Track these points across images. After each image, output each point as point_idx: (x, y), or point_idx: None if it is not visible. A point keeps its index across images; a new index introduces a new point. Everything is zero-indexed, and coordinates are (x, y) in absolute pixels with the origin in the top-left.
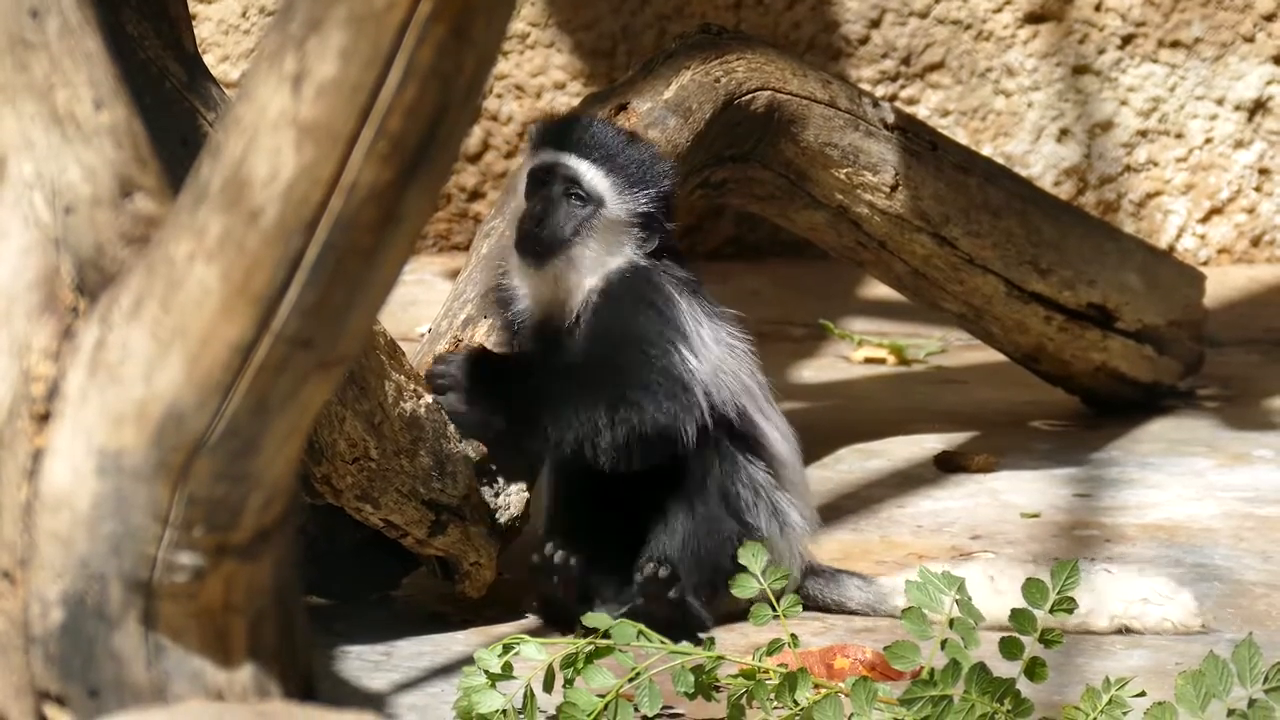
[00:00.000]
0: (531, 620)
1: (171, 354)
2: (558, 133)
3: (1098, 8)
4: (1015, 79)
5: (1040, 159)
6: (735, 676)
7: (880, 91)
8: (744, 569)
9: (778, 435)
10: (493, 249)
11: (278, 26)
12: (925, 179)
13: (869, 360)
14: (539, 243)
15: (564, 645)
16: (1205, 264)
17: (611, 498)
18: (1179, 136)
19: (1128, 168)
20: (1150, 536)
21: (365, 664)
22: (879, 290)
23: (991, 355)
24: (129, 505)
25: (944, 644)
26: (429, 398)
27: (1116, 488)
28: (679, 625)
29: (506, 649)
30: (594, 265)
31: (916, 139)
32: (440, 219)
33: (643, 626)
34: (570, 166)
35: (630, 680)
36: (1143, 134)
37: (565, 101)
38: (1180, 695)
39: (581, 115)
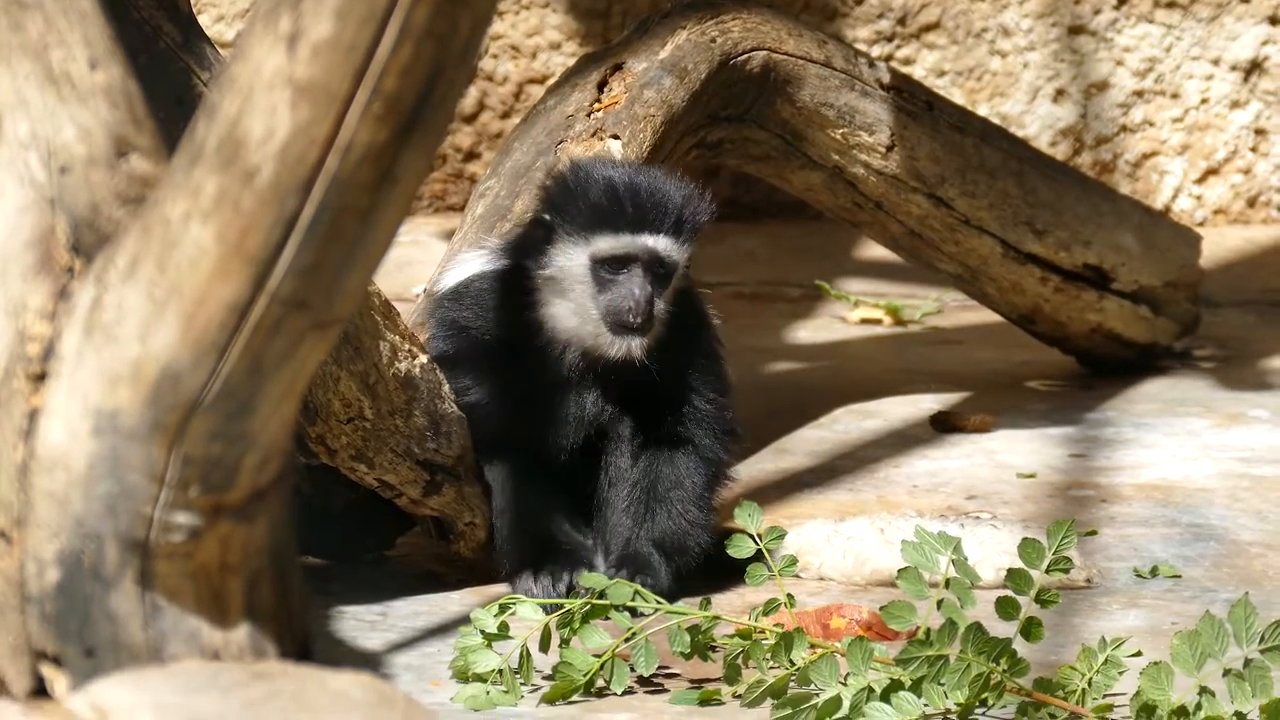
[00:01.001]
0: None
1: (167, 314)
2: (626, 213)
3: None
4: (1011, 39)
5: (1036, 119)
6: (731, 636)
7: (876, 52)
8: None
9: None
10: (488, 209)
11: None
12: (921, 139)
13: (865, 321)
14: (643, 330)
15: (560, 605)
16: (1201, 225)
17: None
18: (1175, 97)
19: (1124, 128)
20: (1146, 496)
21: (361, 624)
22: (875, 251)
23: (987, 316)
24: (124, 465)
25: (940, 604)
26: (424, 358)
27: (1112, 448)
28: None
29: (503, 609)
30: (666, 313)
31: (912, 99)
32: (435, 179)
33: (639, 587)
34: (652, 248)
35: (626, 640)
36: (1139, 94)
37: (560, 62)
38: (1176, 655)
39: (644, 174)
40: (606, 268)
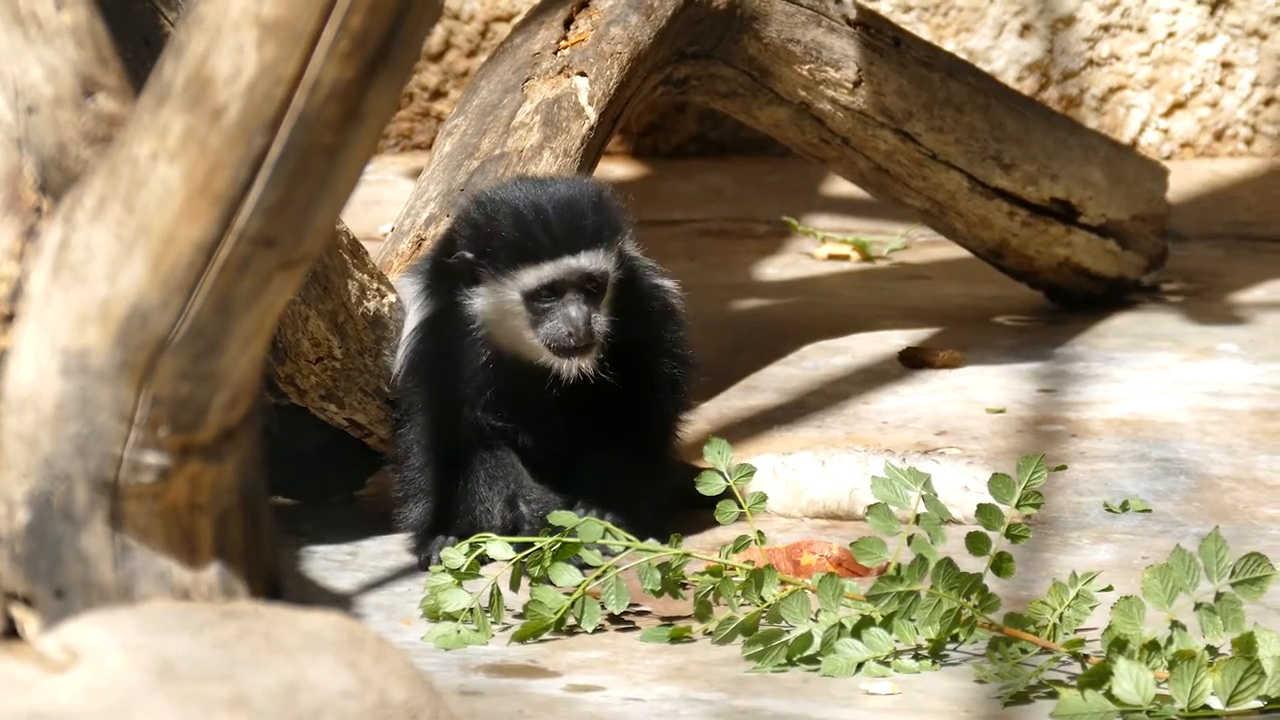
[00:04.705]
0: None
1: (135, 254)
2: (543, 241)
3: None
4: None
5: (1003, 54)
6: (702, 574)
7: None
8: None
9: None
10: (455, 148)
11: None
12: (888, 75)
13: (833, 257)
14: (588, 349)
15: (531, 544)
16: (1168, 158)
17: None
18: (1141, 31)
19: (1090, 62)
20: (1115, 431)
21: (331, 564)
22: (842, 187)
23: (955, 251)
24: (94, 405)
25: (910, 540)
26: (392, 296)
27: (1081, 382)
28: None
29: (473, 548)
30: (609, 321)
31: (879, 35)
32: (402, 118)
33: (609, 525)
34: (578, 268)
35: (597, 578)
36: (1105, 29)
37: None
38: (1147, 589)
39: (552, 193)
40: (538, 298)
